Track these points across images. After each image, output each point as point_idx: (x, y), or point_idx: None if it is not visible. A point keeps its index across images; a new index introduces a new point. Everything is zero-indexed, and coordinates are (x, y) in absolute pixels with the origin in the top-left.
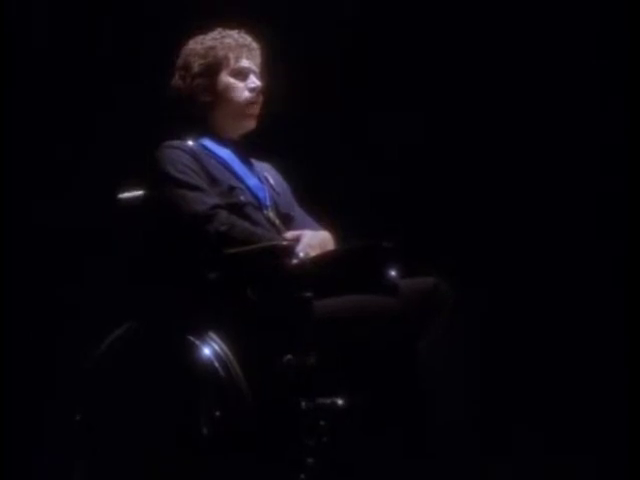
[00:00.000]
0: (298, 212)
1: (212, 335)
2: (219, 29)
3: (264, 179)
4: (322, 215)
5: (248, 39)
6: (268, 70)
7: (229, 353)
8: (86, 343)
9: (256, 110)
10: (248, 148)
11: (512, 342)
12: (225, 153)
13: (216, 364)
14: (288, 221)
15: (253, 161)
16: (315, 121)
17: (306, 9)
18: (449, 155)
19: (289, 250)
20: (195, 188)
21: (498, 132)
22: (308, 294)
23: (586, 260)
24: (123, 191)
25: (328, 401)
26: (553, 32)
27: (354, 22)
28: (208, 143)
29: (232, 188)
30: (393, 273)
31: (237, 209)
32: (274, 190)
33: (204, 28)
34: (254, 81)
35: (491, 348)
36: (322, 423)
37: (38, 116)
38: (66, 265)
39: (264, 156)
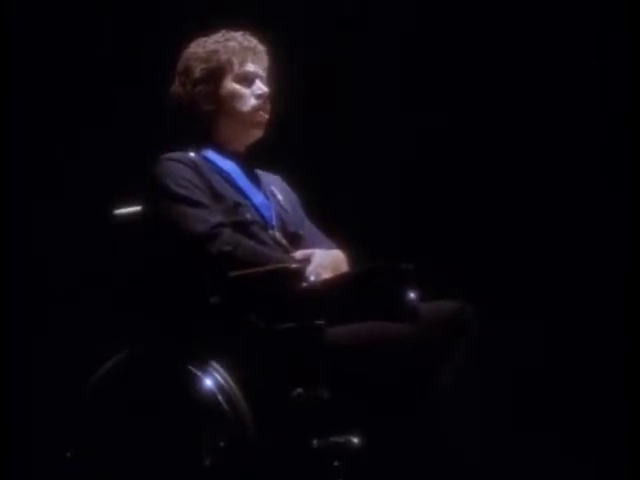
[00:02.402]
0: (308, 228)
1: (214, 365)
2: (223, 31)
3: (270, 195)
4: (333, 230)
5: (254, 41)
6: (275, 74)
7: (233, 385)
8: (78, 372)
9: (263, 119)
10: (254, 160)
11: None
12: (229, 166)
13: (219, 397)
14: (297, 241)
15: (259, 174)
16: (321, 127)
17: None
18: (470, 161)
19: (299, 273)
20: (197, 204)
21: (514, 141)
22: (320, 321)
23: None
24: (119, 206)
25: (342, 439)
26: (553, 33)
27: (359, 23)
28: (211, 155)
29: (237, 205)
30: (413, 296)
31: (242, 227)
32: (281, 207)
33: (205, 28)
34: (260, 87)
35: (518, 376)
36: (336, 464)
37: (36, 118)
38: (59, 286)
39: (270, 167)
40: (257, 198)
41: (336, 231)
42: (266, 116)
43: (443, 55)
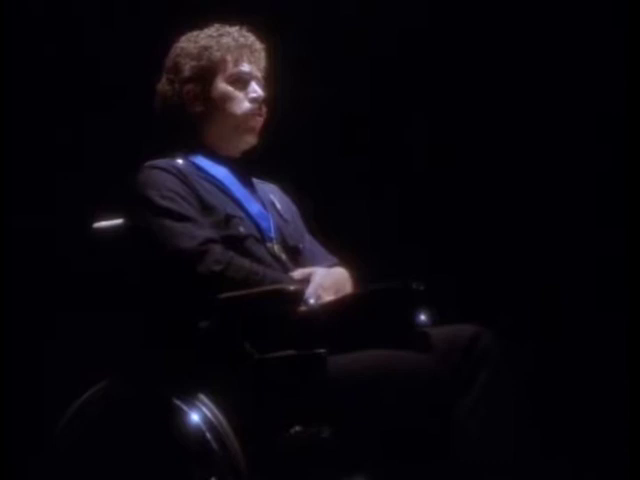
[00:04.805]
0: (308, 242)
1: (203, 398)
2: (216, 25)
3: (269, 204)
4: (337, 247)
5: (250, 38)
6: (274, 75)
7: (223, 421)
8: (51, 408)
9: (258, 124)
10: (249, 167)
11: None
12: (221, 173)
13: (208, 435)
14: (296, 256)
15: (255, 182)
16: (327, 132)
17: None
18: (477, 169)
19: (297, 295)
20: (183, 218)
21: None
22: (320, 349)
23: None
24: (99, 219)
25: None
26: (554, 32)
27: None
28: (201, 161)
29: (229, 217)
30: (423, 318)
31: (235, 243)
32: (281, 218)
33: (200, 25)
34: (255, 90)
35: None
36: None
37: (24, 122)
38: (32, 305)
39: (269, 175)
40: (253, 208)
41: (339, 246)
42: (260, 122)
43: (444, 55)
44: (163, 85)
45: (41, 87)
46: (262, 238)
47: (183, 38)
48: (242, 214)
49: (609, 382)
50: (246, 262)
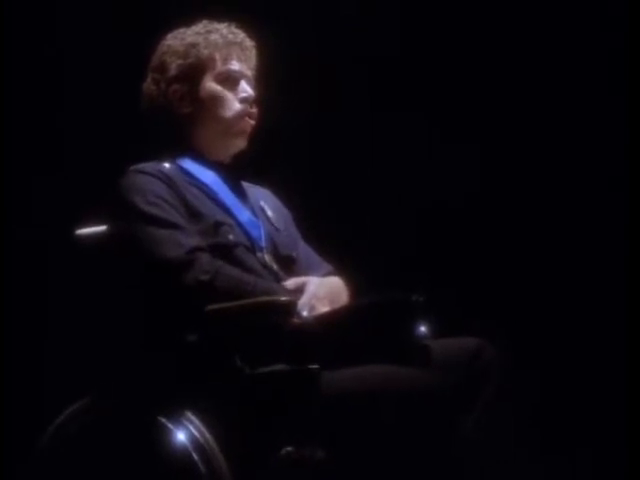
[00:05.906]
0: (302, 249)
1: (190, 416)
2: (204, 22)
3: (260, 211)
4: (333, 256)
5: (240, 35)
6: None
7: (211, 440)
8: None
9: (248, 126)
10: (240, 171)
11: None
12: (210, 178)
13: (194, 455)
14: (289, 265)
15: (246, 187)
16: (325, 135)
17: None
18: (500, 181)
19: (289, 306)
20: (169, 225)
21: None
22: (314, 365)
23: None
24: (82, 226)
25: None
26: (552, 33)
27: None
28: (189, 165)
29: (218, 224)
30: (424, 331)
31: (224, 251)
32: (272, 226)
33: (188, 22)
34: (246, 89)
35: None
36: None
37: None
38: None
39: (260, 180)
40: (243, 215)
41: (335, 253)
42: (252, 123)
43: (444, 57)
44: (148, 85)
45: (39, 87)
46: (252, 247)
47: (169, 35)
48: (231, 221)
49: (609, 384)
50: (236, 271)
